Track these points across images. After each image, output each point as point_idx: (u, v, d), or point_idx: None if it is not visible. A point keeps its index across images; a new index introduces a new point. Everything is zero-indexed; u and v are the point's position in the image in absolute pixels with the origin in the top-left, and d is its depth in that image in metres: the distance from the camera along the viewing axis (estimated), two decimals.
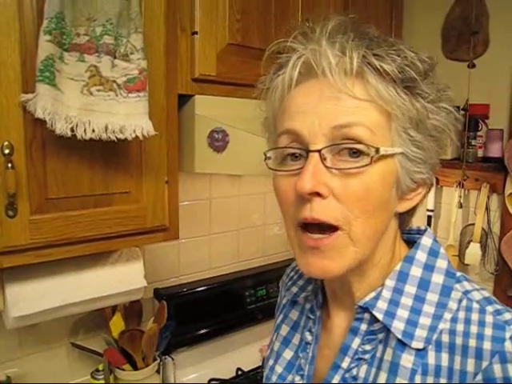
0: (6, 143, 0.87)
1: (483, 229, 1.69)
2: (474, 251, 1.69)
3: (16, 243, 0.91)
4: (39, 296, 1.06)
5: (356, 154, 0.53)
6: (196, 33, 1.15)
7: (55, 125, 0.87)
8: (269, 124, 0.65)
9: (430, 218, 1.81)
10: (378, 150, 0.53)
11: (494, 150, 1.67)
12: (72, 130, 0.89)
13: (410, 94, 0.54)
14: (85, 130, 0.90)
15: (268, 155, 0.60)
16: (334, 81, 0.53)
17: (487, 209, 1.68)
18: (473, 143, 1.69)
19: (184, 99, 1.20)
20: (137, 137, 0.95)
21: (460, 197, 1.72)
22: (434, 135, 0.57)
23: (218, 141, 1.16)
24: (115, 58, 0.93)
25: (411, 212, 0.64)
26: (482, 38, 1.69)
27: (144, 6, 1.01)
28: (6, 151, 0.87)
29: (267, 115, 0.64)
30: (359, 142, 0.53)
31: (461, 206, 1.73)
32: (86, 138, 0.90)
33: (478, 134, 1.69)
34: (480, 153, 1.71)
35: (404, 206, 0.60)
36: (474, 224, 1.70)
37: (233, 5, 1.21)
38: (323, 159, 0.53)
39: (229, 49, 1.21)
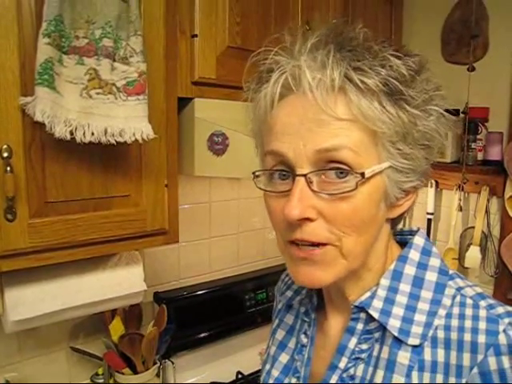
0: (4, 146, 0.87)
1: (483, 232, 1.68)
2: (473, 254, 1.69)
3: (15, 247, 0.91)
4: (38, 300, 1.06)
5: (342, 173, 0.53)
6: (196, 35, 1.15)
7: (54, 128, 0.87)
8: (256, 136, 0.64)
9: (429, 221, 1.81)
10: (363, 175, 0.53)
11: (494, 153, 1.67)
12: (71, 133, 0.89)
13: (395, 105, 0.53)
14: (84, 133, 0.90)
15: (257, 174, 0.60)
16: (314, 100, 0.52)
17: (487, 212, 1.67)
18: (472, 146, 1.69)
19: (184, 102, 1.19)
20: (136, 140, 0.94)
21: (460, 200, 1.72)
22: (422, 143, 0.56)
23: (218, 144, 1.16)
24: (114, 60, 0.93)
25: (402, 215, 0.64)
26: (482, 42, 1.69)
27: (143, 9, 1.01)
28: (5, 154, 0.86)
29: (253, 127, 0.64)
30: (344, 164, 0.53)
31: (460, 209, 1.73)
32: (86, 142, 0.90)
33: (478, 137, 1.69)
34: (480, 156, 1.71)
35: (395, 213, 0.60)
36: (473, 227, 1.70)
37: (232, 7, 1.21)
38: (309, 183, 0.53)
39: (228, 51, 1.21)
